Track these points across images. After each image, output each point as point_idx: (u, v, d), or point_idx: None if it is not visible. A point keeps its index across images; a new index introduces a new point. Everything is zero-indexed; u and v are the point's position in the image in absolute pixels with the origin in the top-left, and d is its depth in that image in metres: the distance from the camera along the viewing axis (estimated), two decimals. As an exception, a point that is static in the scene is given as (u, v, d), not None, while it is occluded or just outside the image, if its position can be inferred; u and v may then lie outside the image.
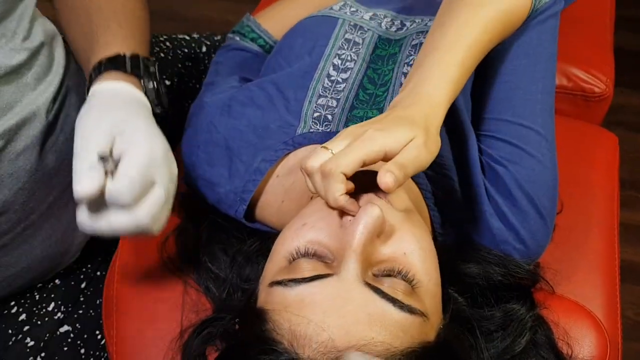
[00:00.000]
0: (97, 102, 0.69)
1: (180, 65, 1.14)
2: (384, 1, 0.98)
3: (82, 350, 0.88)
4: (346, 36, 0.90)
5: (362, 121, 0.78)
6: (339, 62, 0.87)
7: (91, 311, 0.92)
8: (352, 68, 0.87)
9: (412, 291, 0.58)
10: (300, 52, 0.90)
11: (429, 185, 0.78)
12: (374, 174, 0.58)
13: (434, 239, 0.77)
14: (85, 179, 0.60)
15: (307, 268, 0.58)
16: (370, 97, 0.83)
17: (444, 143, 0.78)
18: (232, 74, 0.97)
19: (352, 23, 0.92)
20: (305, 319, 0.54)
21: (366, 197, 0.62)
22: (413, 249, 0.60)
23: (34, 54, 0.81)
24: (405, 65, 0.84)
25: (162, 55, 1.12)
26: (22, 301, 0.91)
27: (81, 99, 0.87)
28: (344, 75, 0.86)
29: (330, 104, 0.83)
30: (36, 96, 0.80)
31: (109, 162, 0.62)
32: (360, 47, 0.89)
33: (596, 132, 1.11)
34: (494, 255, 0.75)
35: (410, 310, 0.56)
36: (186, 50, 1.17)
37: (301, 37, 0.93)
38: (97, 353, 0.89)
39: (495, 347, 0.67)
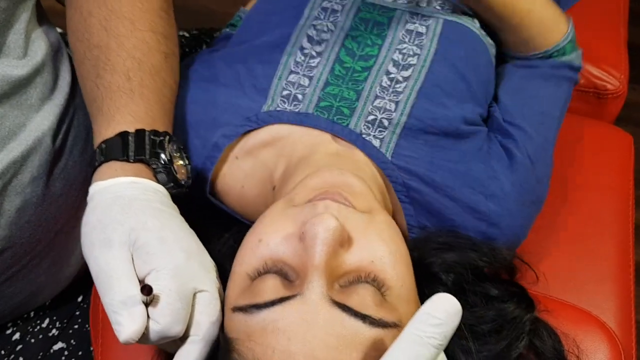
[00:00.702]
0: (103, 210, 0.60)
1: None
2: None
3: (77, 368, 0.86)
4: (323, 4, 0.84)
5: (335, 100, 0.76)
6: (314, 32, 0.81)
7: (87, 326, 0.90)
8: (327, 39, 0.81)
9: (383, 300, 0.55)
10: (272, 22, 0.85)
11: (400, 176, 0.74)
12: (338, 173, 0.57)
13: (406, 237, 0.73)
14: (127, 322, 0.53)
15: (269, 288, 0.54)
16: (346, 72, 0.78)
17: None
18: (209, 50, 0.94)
19: None
20: (269, 348, 0.51)
21: (322, 204, 0.58)
22: (381, 254, 0.57)
23: (38, 70, 0.76)
24: (397, 52, 0.79)
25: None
26: (18, 321, 0.88)
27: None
28: (319, 48, 0.80)
29: (302, 82, 0.78)
30: (41, 119, 0.75)
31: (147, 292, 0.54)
32: (339, 14, 0.83)
33: (610, 131, 1.08)
34: (470, 241, 0.71)
35: (382, 324, 0.53)
36: (187, 50, 1.14)
37: (272, 5, 0.88)
38: (92, 371, 0.86)
39: (489, 351, 0.63)
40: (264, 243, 0.58)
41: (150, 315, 0.55)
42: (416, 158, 0.74)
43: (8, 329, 0.87)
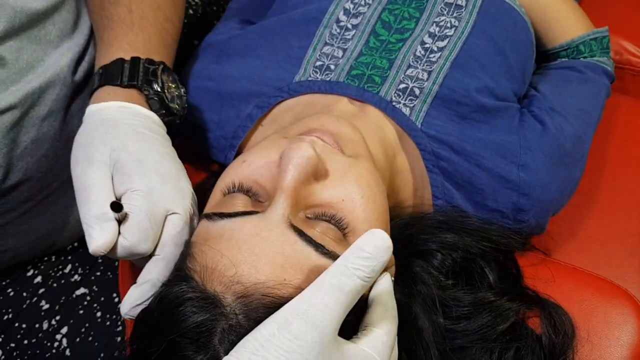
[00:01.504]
0: (90, 130, 0.64)
1: (209, 24, 1.10)
2: None
3: (99, 314, 0.86)
4: None
5: (367, 69, 0.76)
6: (351, 6, 0.81)
7: (109, 273, 0.90)
8: (364, 13, 0.80)
9: (342, 239, 0.56)
10: None
11: (429, 145, 0.74)
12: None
13: (428, 208, 0.75)
14: (97, 237, 0.56)
15: (238, 204, 0.57)
16: (381, 44, 0.78)
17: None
18: (234, 16, 0.94)
19: None
20: (219, 254, 0.52)
21: (309, 139, 0.59)
22: (353, 196, 0.58)
23: (56, 6, 0.76)
24: (434, 24, 0.78)
25: (190, 12, 1.08)
26: (39, 264, 0.89)
27: None
28: (355, 21, 0.80)
29: (335, 53, 0.78)
30: (60, 56, 0.76)
31: (117, 209, 0.57)
32: None
33: (643, 108, 1.05)
34: (478, 225, 0.71)
35: (333, 257, 0.53)
36: (215, 8, 1.13)
37: None
38: (114, 317, 0.86)
39: (461, 331, 0.63)
40: (246, 163, 0.60)
41: (120, 232, 0.58)
42: (446, 127, 0.74)
43: (28, 271, 0.88)
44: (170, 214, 0.61)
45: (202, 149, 0.84)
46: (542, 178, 0.73)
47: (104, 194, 0.58)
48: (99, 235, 0.56)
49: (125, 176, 0.60)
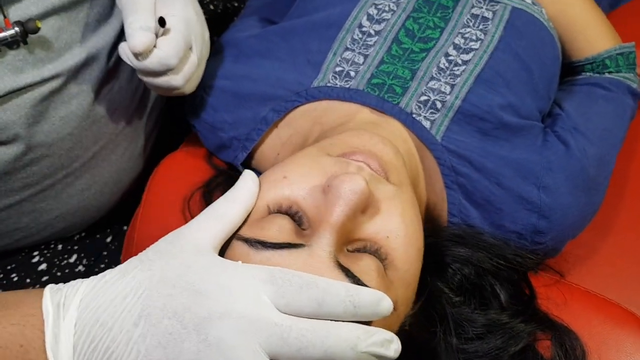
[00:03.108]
0: None
1: (229, 20, 1.10)
2: None
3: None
4: None
5: (388, 78, 0.74)
6: (375, 12, 0.79)
7: (113, 266, 0.89)
8: (388, 19, 0.78)
9: (384, 275, 0.53)
10: None
11: (449, 159, 0.71)
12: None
13: (443, 224, 0.73)
14: (140, 37, 0.64)
15: (278, 229, 0.52)
16: (403, 53, 0.76)
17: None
18: (254, 14, 0.93)
19: None
20: None
21: (356, 165, 0.57)
22: (398, 233, 0.55)
23: None
24: (459, 36, 0.76)
25: (211, 7, 1.07)
26: (45, 251, 0.88)
27: None
28: (378, 27, 0.78)
29: (356, 59, 0.76)
30: (97, 39, 0.77)
31: (162, 23, 0.67)
32: None
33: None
34: (493, 242, 0.70)
35: None
36: (236, 4, 1.12)
37: None
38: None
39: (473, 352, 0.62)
40: (288, 181, 0.56)
41: (157, 45, 0.66)
42: (468, 143, 0.72)
43: (34, 257, 0.87)
44: (190, 48, 0.70)
45: (212, 148, 0.83)
46: (563, 201, 0.71)
47: (150, 10, 0.66)
48: (142, 37, 0.64)
49: (168, 2, 0.68)
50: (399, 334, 0.54)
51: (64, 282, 0.83)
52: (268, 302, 0.43)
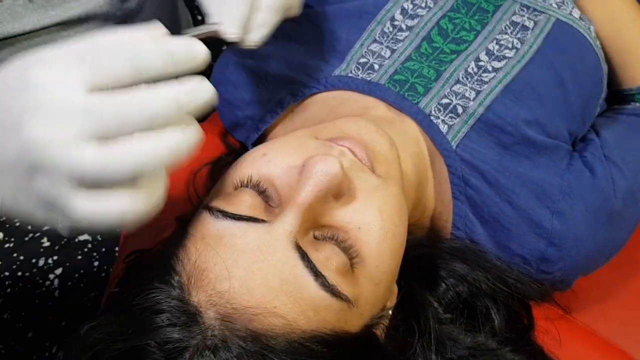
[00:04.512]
0: None
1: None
2: None
3: (96, 263, 0.85)
4: None
5: (412, 76, 0.71)
6: (410, 6, 0.76)
7: (116, 226, 0.89)
8: (422, 16, 0.74)
9: (349, 270, 0.50)
10: None
11: (460, 168, 0.68)
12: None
13: (445, 236, 0.69)
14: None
15: (247, 203, 0.52)
16: (433, 52, 0.72)
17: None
18: None
19: None
20: (213, 259, 0.48)
21: (339, 149, 0.55)
22: (371, 226, 0.52)
23: None
24: (494, 42, 0.72)
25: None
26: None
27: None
28: (410, 23, 0.74)
29: (382, 53, 0.73)
30: None
31: None
32: None
33: None
34: (495, 263, 0.66)
35: (333, 292, 0.48)
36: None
37: None
38: (110, 270, 0.85)
39: None
40: (266, 159, 0.55)
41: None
42: (484, 154, 0.68)
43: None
44: None
45: (228, 125, 0.82)
46: (577, 231, 0.66)
47: None
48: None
49: None
50: (366, 336, 0.52)
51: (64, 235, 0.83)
52: (77, 87, 0.39)
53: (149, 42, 0.41)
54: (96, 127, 0.38)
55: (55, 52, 0.41)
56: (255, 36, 0.56)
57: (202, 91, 0.41)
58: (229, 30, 0.54)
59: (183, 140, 0.40)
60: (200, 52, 0.42)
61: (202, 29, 0.53)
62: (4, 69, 0.42)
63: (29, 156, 0.39)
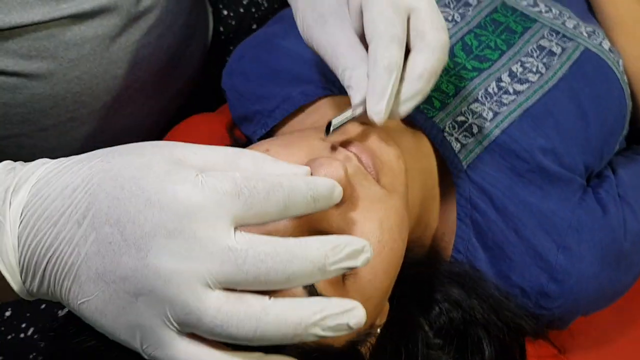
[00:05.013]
0: None
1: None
2: None
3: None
4: None
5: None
6: None
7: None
8: (448, 29, 0.72)
9: (339, 281, 0.48)
10: None
11: (469, 189, 0.65)
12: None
13: (444, 258, 0.67)
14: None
15: None
16: (454, 67, 0.70)
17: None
18: None
19: None
20: None
21: (345, 154, 0.53)
22: (369, 238, 0.49)
23: None
24: (519, 64, 0.70)
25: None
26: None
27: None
28: None
29: None
30: None
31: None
32: (470, 8, 0.74)
33: None
34: (493, 293, 0.63)
35: None
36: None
37: None
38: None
39: None
40: (269, 154, 0.51)
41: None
42: (495, 177, 0.66)
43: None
44: None
45: (237, 118, 0.81)
46: (582, 269, 0.64)
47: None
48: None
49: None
50: (350, 353, 0.50)
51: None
52: (226, 224, 0.37)
53: (302, 184, 0.39)
54: (232, 273, 0.36)
55: (211, 180, 0.38)
56: (403, 111, 0.52)
57: (353, 260, 0.39)
58: (376, 110, 0.49)
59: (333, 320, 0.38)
60: (337, 194, 0.41)
61: (347, 115, 0.53)
62: (140, 169, 0.38)
63: (145, 281, 0.36)
